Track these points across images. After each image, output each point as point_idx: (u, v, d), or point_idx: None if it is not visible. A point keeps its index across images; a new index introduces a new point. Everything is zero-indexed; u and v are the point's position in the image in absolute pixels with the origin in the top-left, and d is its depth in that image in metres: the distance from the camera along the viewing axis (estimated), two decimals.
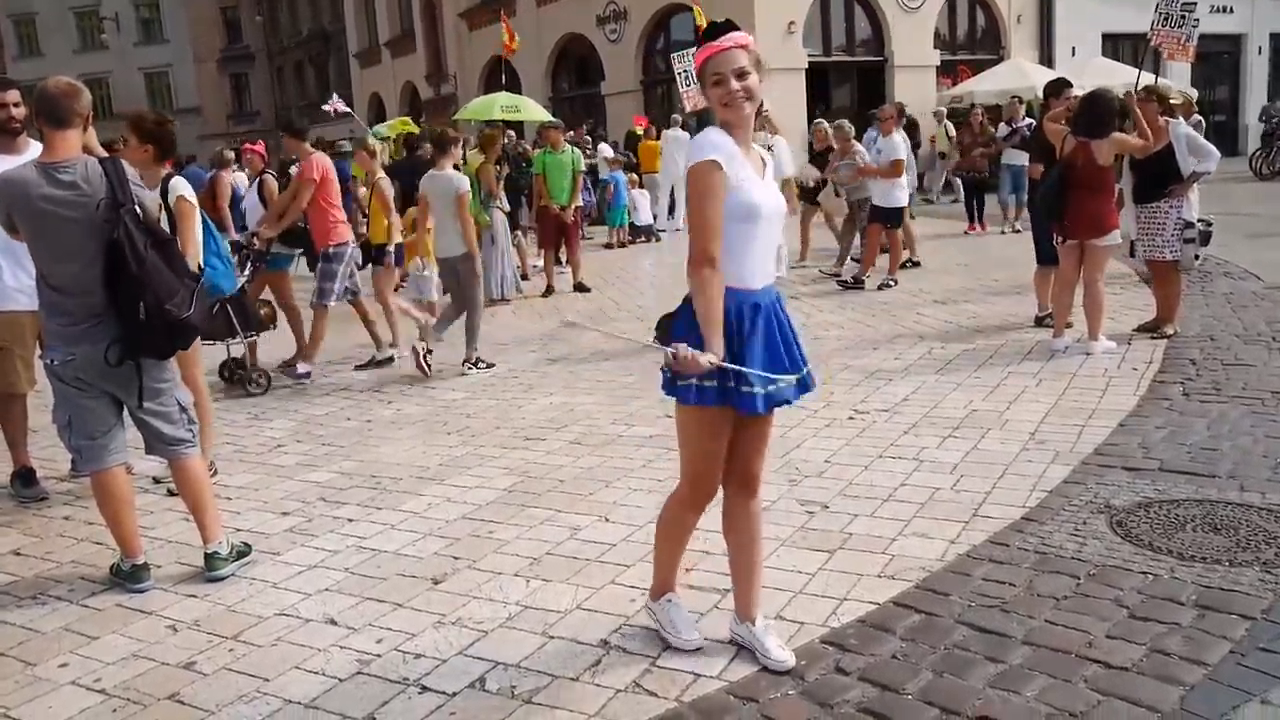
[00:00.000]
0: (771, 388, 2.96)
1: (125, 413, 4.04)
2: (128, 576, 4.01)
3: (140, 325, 3.77)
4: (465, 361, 7.71)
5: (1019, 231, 13.25)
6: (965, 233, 14.51)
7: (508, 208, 11.36)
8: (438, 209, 7.70)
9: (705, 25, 3.01)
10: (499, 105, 16.67)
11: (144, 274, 3.74)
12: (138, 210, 3.84)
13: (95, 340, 3.79)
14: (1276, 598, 3.33)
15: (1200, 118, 15.11)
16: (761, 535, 3.30)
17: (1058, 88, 8.45)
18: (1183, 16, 14.24)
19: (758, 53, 2.95)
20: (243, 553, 4.17)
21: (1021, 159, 12.90)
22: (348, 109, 19.79)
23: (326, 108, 19.82)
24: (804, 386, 3.09)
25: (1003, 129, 14.46)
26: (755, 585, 3.27)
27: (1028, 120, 13.69)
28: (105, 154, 4.16)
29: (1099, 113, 6.88)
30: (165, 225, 4.92)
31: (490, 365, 7.79)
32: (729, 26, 2.94)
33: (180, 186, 4.98)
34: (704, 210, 2.87)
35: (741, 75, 2.88)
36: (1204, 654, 3.03)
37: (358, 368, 8.13)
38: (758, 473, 3.22)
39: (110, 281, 3.75)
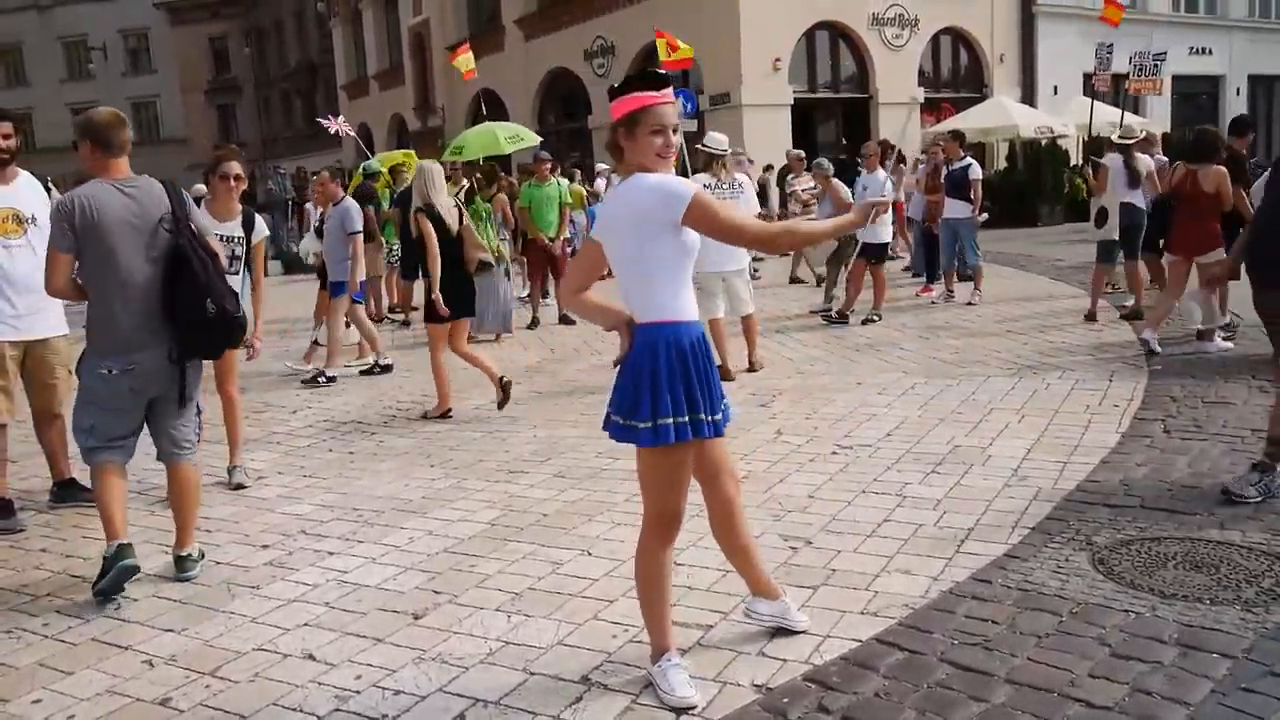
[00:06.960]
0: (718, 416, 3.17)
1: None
2: (113, 558, 4.07)
3: (205, 323, 4.15)
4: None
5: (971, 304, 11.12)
6: (918, 294, 12.22)
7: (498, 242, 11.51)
8: None
9: (645, 70, 3.17)
10: (502, 137, 16.46)
11: (209, 276, 4.17)
12: (193, 225, 4.28)
13: (158, 344, 4.15)
14: (1258, 637, 3.34)
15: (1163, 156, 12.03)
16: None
17: (1240, 127, 9.45)
18: (1152, 65, 15.32)
19: None
20: (203, 554, 4.55)
21: (962, 211, 11.31)
22: (350, 131, 19.43)
23: (327, 124, 19.17)
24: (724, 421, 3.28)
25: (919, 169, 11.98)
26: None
27: (968, 160, 11.52)
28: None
29: (1205, 144, 8.10)
30: None
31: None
32: (669, 81, 3.10)
33: None
34: (730, 216, 3.12)
35: (675, 130, 3.08)
36: (1186, 694, 3.03)
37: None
38: (733, 469, 3.40)
39: (171, 283, 4.13)
